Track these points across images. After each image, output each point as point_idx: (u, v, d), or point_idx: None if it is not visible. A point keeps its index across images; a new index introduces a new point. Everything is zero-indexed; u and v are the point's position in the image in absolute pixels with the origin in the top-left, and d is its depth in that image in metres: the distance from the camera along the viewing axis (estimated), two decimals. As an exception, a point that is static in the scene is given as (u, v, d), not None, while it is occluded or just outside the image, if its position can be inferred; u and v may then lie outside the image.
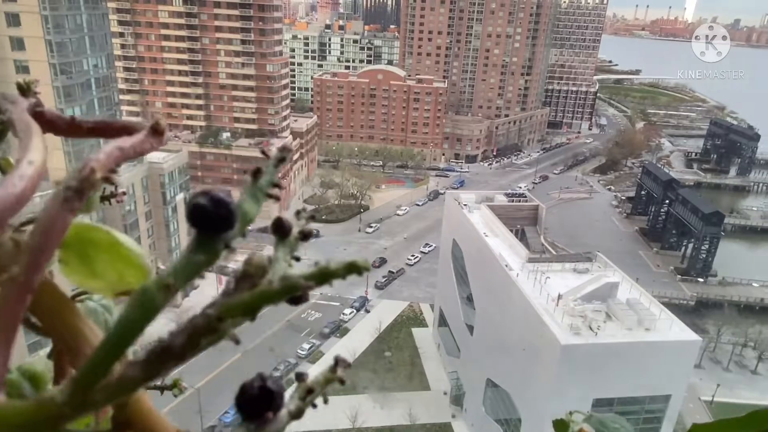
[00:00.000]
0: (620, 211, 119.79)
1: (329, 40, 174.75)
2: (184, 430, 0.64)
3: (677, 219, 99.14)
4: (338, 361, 0.52)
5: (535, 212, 64.56)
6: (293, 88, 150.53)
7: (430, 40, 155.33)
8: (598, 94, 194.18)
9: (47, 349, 0.72)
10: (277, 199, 0.55)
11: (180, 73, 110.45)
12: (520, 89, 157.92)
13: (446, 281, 64.45)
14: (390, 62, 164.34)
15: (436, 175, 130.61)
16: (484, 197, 65.70)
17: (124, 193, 0.70)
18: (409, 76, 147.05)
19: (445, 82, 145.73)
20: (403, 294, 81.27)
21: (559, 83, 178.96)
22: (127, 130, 0.63)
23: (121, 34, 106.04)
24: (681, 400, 45.15)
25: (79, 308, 0.64)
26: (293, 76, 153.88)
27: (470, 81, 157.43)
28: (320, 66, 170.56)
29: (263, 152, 0.59)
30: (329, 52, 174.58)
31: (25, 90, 0.72)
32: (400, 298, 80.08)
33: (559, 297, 44.02)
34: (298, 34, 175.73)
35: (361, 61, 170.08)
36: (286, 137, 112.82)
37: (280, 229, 0.52)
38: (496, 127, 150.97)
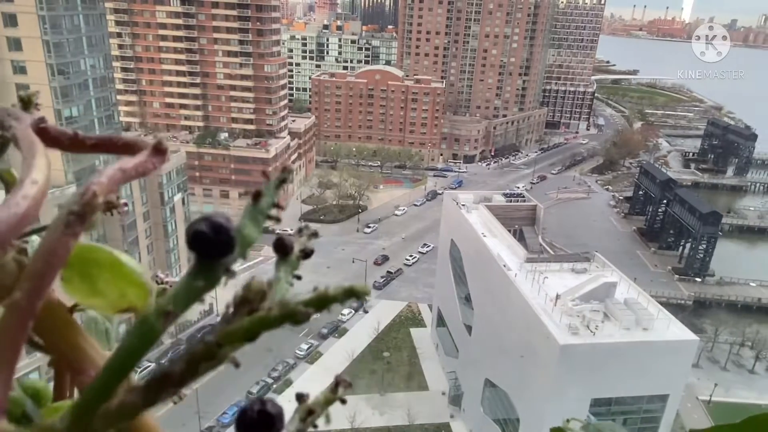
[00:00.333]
0: (618, 211, 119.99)
1: (327, 40, 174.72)
2: None
3: (675, 219, 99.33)
4: (339, 382, 0.53)
5: (533, 212, 64.61)
6: (291, 89, 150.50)
7: (428, 40, 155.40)
8: (595, 94, 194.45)
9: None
10: (278, 221, 0.55)
11: (178, 73, 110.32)
12: (517, 89, 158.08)
13: (444, 281, 64.46)
14: (388, 62, 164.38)
15: (434, 176, 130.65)
16: (482, 197, 65.75)
17: (125, 204, 0.71)
18: (407, 76, 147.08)
19: (443, 82, 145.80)
20: (402, 294, 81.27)
21: (556, 83, 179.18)
22: (129, 147, 0.64)
23: (119, 35, 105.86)
24: (679, 400, 45.24)
25: (79, 321, 0.65)
26: (291, 76, 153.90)
27: (468, 81, 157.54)
28: (318, 66, 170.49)
29: (264, 174, 0.59)
30: (327, 53, 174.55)
31: (26, 104, 0.73)
32: (399, 299, 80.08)
33: (557, 297, 44.07)
34: (296, 34, 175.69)
35: (359, 61, 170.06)
36: (284, 137, 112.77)
37: (281, 248, 0.52)
38: (494, 128, 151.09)
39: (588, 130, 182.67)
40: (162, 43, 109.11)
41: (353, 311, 75.58)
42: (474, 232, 55.79)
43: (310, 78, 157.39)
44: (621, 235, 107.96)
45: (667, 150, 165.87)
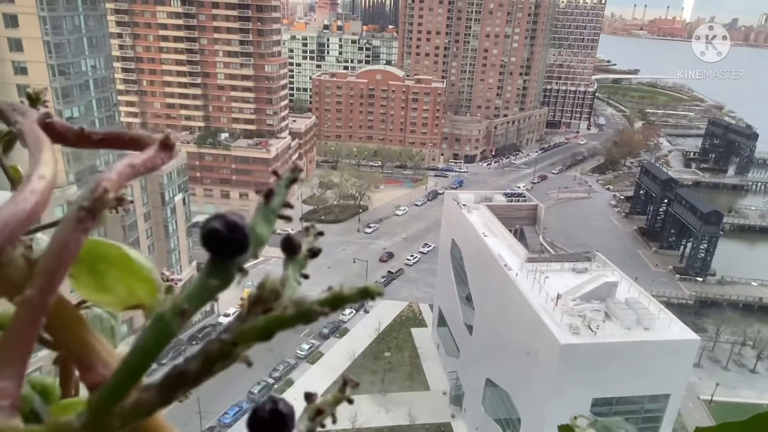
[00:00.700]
0: (619, 211, 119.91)
1: (328, 40, 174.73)
2: None
3: (676, 218, 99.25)
4: (347, 381, 0.53)
5: (533, 212, 64.58)
6: (292, 89, 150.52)
7: (428, 40, 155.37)
8: (596, 94, 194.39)
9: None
10: (288, 219, 0.55)
11: (178, 73, 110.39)
12: (518, 89, 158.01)
13: (445, 281, 64.45)
14: (388, 62, 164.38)
15: (435, 176, 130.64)
16: (483, 197, 65.72)
17: (131, 202, 0.71)
18: (408, 76, 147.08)
19: (443, 82, 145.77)
20: (403, 294, 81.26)
21: (557, 83, 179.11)
22: (136, 142, 0.64)
23: (120, 35, 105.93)
24: (680, 400, 45.20)
25: (86, 317, 0.65)
26: (292, 76, 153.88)
27: (469, 81, 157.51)
28: (319, 66, 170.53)
29: (275, 173, 0.59)
30: (328, 53, 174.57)
31: (34, 100, 0.72)
32: (400, 299, 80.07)
33: (558, 297, 44.04)
34: (297, 34, 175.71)
35: (360, 61, 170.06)
36: (285, 138, 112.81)
37: (289, 247, 0.52)
38: (495, 127, 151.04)
39: (589, 129, 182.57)
40: (162, 44, 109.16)
41: (354, 311, 75.56)
42: (475, 232, 55.77)
43: (310, 78, 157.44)
44: (622, 235, 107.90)
45: (668, 149, 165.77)
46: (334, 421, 0.53)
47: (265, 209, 0.52)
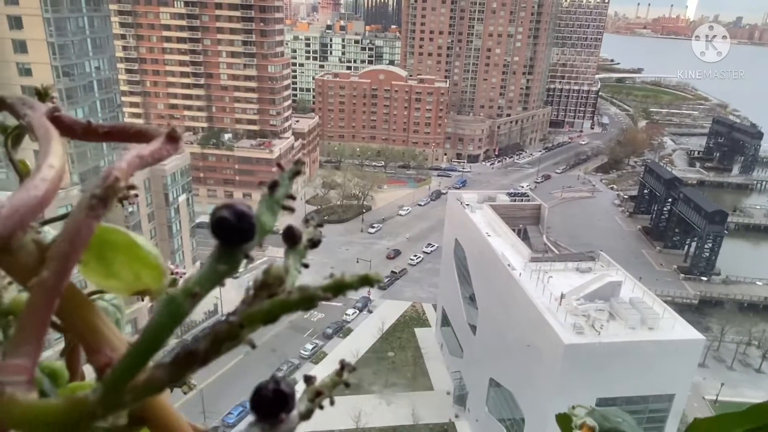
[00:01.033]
0: (623, 210, 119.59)
1: (330, 40, 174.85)
2: (200, 426, 0.66)
3: (680, 218, 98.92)
4: (344, 365, 0.55)
5: (537, 212, 64.47)
6: (295, 89, 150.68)
7: (431, 40, 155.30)
8: (600, 93, 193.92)
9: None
10: (291, 210, 0.58)
11: (182, 74, 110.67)
12: (521, 88, 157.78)
13: (449, 281, 64.41)
14: (391, 62, 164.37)
15: (438, 175, 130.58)
16: (487, 197, 65.65)
17: (136, 195, 0.73)
18: (411, 76, 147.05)
19: (446, 81, 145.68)
20: (406, 294, 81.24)
21: (560, 82, 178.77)
22: (141, 135, 0.66)
23: (123, 36, 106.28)
24: (685, 399, 45.03)
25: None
26: (295, 76, 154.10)
27: (472, 81, 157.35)
28: (322, 66, 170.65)
29: (279, 165, 0.62)
30: (330, 53, 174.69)
31: (42, 95, 0.75)
32: (403, 299, 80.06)
33: (562, 296, 43.95)
34: (300, 34, 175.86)
35: (363, 61, 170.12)
36: (288, 138, 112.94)
37: (290, 237, 0.54)
38: (498, 127, 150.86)
39: (592, 128, 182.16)
40: (166, 45, 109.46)
41: (358, 311, 75.61)
42: (478, 232, 55.71)
43: (313, 78, 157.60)
44: (626, 234, 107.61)
45: (672, 148, 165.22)
46: (332, 403, 0.55)
47: (270, 200, 0.55)
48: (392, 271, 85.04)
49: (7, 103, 0.69)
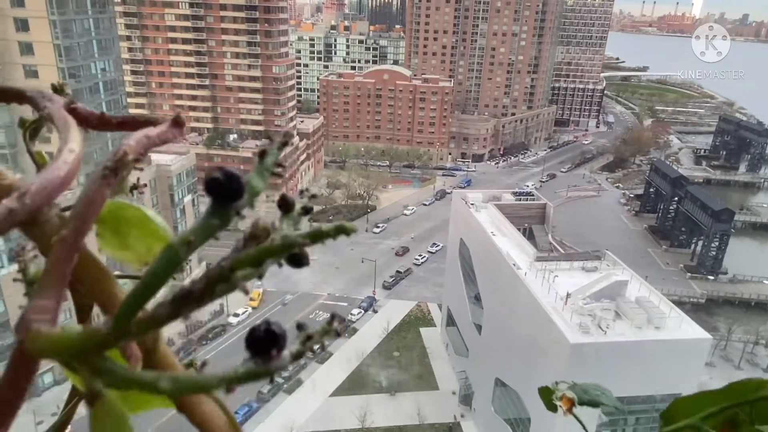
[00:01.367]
0: (629, 209, 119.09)
1: (335, 40, 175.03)
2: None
3: (687, 216, 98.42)
4: (334, 317, 0.60)
5: (542, 211, 64.32)
6: (299, 90, 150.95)
7: (435, 39, 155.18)
8: (605, 92, 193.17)
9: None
10: (280, 176, 0.66)
11: (187, 75, 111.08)
12: (526, 87, 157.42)
13: (454, 281, 64.34)
14: (396, 62, 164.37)
15: (443, 175, 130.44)
16: (492, 196, 65.55)
17: (145, 185, 0.82)
18: (415, 75, 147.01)
19: (451, 81, 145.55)
20: (411, 294, 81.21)
21: (565, 81, 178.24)
22: (151, 123, 0.73)
23: (129, 38, 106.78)
24: (692, 399, 44.73)
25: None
26: (299, 77, 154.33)
27: (476, 80, 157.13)
28: (326, 67, 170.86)
29: (269, 137, 0.68)
30: (335, 53, 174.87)
31: (59, 90, 0.82)
32: (408, 298, 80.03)
33: (568, 296, 43.83)
34: (304, 35, 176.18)
35: (367, 61, 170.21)
36: (293, 138, 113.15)
37: (284, 204, 0.60)
38: (503, 126, 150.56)
39: (598, 127, 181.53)
40: (171, 46, 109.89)
41: (363, 311, 75.66)
42: (483, 231, 55.63)
43: (318, 78, 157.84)
44: (632, 233, 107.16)
45: (678, 147, 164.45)
46: (323, 349, 0.61)
47: (260, 167, 0.61)
48: (397, 271, 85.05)
49: (27, 96, 0.75)
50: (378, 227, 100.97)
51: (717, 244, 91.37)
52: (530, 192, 72.83)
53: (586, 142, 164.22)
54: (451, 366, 65.32)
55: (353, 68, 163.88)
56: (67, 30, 63.79)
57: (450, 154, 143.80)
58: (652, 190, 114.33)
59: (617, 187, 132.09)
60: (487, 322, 54.80)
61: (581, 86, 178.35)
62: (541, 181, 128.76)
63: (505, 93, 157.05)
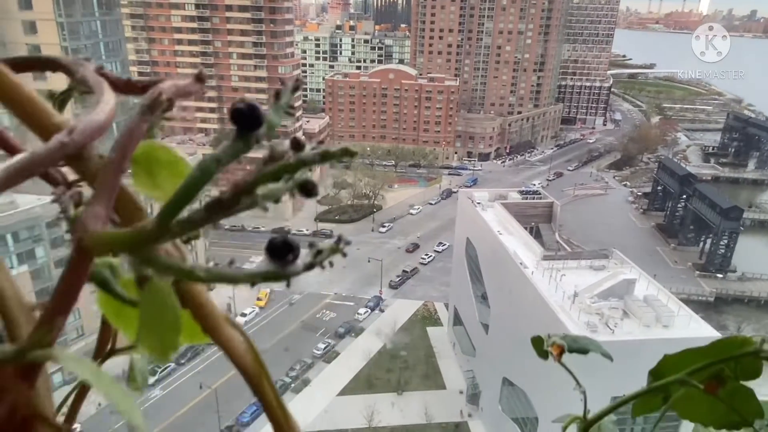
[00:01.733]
0: (636, 207, 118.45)
1: (340, 40, 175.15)
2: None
3: (695, 214, 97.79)
4: (340, 238, 0.66)
5: (549, 209, 64.11)
6: (305, 89, 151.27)
7: (441, 38, 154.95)
8: (612, 89, 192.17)
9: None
10: (293, 116, 0.73)
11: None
12: (532, 86, 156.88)
13: (460, 280, 64.26)
14: (401, 61, 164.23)
15: (449, 174, 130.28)
16: (498, 195, 65.41)
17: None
18: (421, 74, 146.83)
19: (456, 80, 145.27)
20: (417, 293, 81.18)
21: (572, 79, 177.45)
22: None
23: (135, 39, 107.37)
24: (701, 398, 44.48)
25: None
26: (305, 77, 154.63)
27: (482, 78, 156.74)
28: (331, 67, 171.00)
29: (281, 81, 0.76)
30: (340, 53, 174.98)
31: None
32: (415, 298, 80.00)
33: (575, 294, 43.68)
34: (309, 35, 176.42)
35: (372, 61, 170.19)
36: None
37: (296, 145, 0.67)
38: (509, 125, 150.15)
39: (605, 125, 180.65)
40: (177, 47, 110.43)
41: (369, 310, 75.71)
42: (490, 230, 55.52)
43: (323, 78, 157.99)
44: (640, 232, 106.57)
45: (685, 144, 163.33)
46: (331, 265, 0.65)
47: (276, 105, 0.70)
48: (404, 270, 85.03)
49: (62, 63, 0.83)
50: (384, 227, 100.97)
51: (726, 241, 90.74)
52: (537, 191, 72.62)
53: (591, 141, 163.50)
54: (458, 365, 65.26)
55: (359, 68, 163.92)
56: (74, 32, 64.25)
57: (456, 153, 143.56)
58: (660, 188, 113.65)
59: (625, 185, 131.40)
60: (494, 321, 54.70)
61: (588, 84, 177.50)
62: (547, 179, 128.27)
63: (511, 91, 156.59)
